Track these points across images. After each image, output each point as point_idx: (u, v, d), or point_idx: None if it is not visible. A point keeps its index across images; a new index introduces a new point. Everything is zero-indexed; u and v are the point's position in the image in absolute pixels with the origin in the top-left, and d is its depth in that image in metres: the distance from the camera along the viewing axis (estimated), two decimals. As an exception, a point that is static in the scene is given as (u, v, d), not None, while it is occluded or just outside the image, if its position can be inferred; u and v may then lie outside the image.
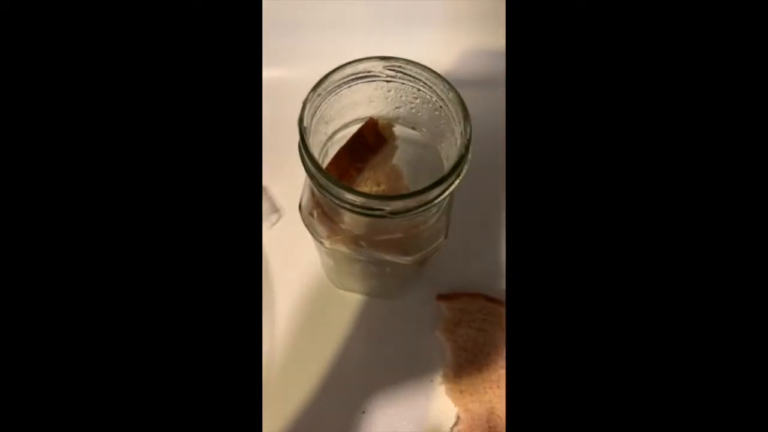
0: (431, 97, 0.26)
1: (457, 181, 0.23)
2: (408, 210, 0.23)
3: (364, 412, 0.36)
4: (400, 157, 0.30)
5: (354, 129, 0.28)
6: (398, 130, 0.29)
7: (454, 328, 0.37)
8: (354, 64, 0.24)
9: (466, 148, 0.23)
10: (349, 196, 0.23)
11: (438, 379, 0.37)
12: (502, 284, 0.39)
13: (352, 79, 0.25)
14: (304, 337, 0.39)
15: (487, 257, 0.41)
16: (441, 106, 0.25)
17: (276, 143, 0.41)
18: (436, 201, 0.23)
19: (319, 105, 0.25)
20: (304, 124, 0.23)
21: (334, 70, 0.24)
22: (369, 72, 0.25)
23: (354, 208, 0.23)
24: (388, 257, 0.28)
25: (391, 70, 0.25)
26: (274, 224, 0.42)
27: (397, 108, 0.28)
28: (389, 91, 0.27)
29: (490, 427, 0.35)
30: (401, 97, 0.27)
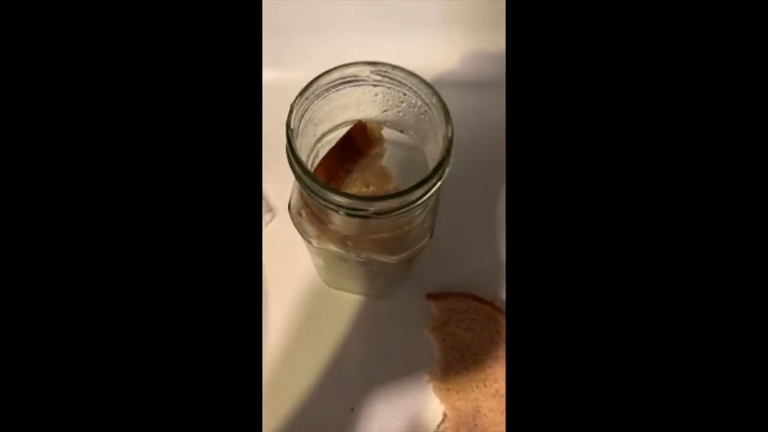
0: (416, 101, 0.26)
1: (439, 183, 0.24)
2: (392, 210, 0.23)
3: (352, 409, 0.37)
4: (389, 159, 0.31)
5: (343, 131, 0.29)
6: (386, 132, 0.30)
7: (442, 327, 0.38)
8: (341, 68, 0.25)
9: (447, 150, 0.24)
10: (335, 197, 0.23)
11: (426, 377, 0.37)
12: (490, 285, 0.40)
13: (340, 84, 0.26)
14: (295, 334, 0.39)
15: (476, 258, 0.41)
16: (426, 110, 0.26)
17: (270, 143, 0.42)
18: (420, 202, 0.24)
19: (307, 108, 0.25)
20: (291, 126, 0.24)
21: (321, 75, 0.25)
22: (356, 76, 0.26)
23: (339, 209, 0.24)
24: (375, 256, 0.28)
25: (377, 74, 0.26)
26: (268, 223, 0.43)
27: (384, 111, 0.29)
28: (376, 95, 0.28)
29: (476, 425, 0.35)
30: (388, 100, 0.28)
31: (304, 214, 0.28)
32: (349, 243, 0.28)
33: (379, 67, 0.26)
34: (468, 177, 0.39)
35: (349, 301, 0.40)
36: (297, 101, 0.24)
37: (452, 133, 0.24)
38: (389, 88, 0.27)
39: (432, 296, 0.39)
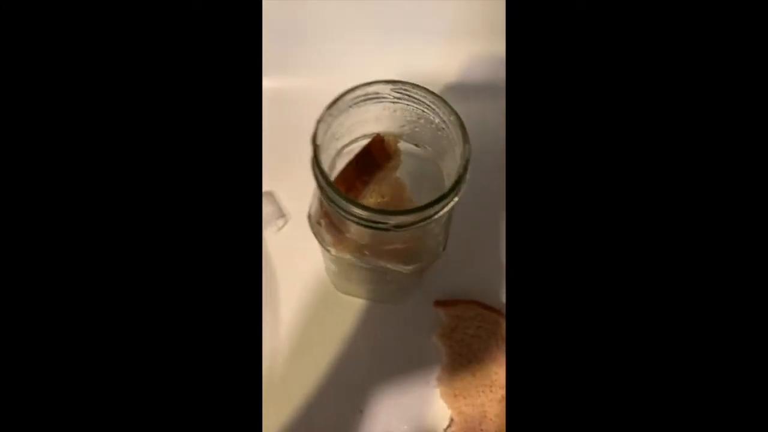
0: (434, 118, 0.28)
1: (456, 199, 0.25)
2: (410, 224, 0.25)
3: (361, 411, 0.38)
4: (403, 171, 0.32)
5: (361, 144, 0.30)
6: (402, 146, 0.31)
7: (450, 334, 0.39)
8: (364, 86, 0.26)
9: (465, 168, 0.25)
10: (356, 210, 0.24)
11: (433, 382, 0.38)
12: (497, 293, 0.41)
13: (362, 100, 0.27)
14: (306, 337, 0.40)
15: (483, 267, 0.42)
16: (443, 128, 0.27)
17: (281, 150, 0.43)
18: (436, 216, 0.25)
19: (331, 123, 0.27)
20: (318, 142, 0.25)
21: (346, 92, 0.26)
22: (377, 94, 0.27)
23: (360, 221, 0.25)
24: (390, 266, 0.29)
25: (397, 92, 0.27)
26: (280, 228, 0.44)
27: (402, 126, 0.30)
28: (395, 111, 0.29)
29: (482, 430, 0.37)
30: (406, 116, 0.29)
31: (323, 224, 0.29)
32: (366, 252, 0.29)
33: (400, 86, 0.27)
34: (476, 186, 0.39)
35: (359, 306, 0.41)
36: (323, 117, 0.25)
37: (470, 151, 0.25)
38: (408, 105, 0.28)
39: (440, 303, 0.40)
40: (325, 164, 0.29)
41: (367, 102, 0.27)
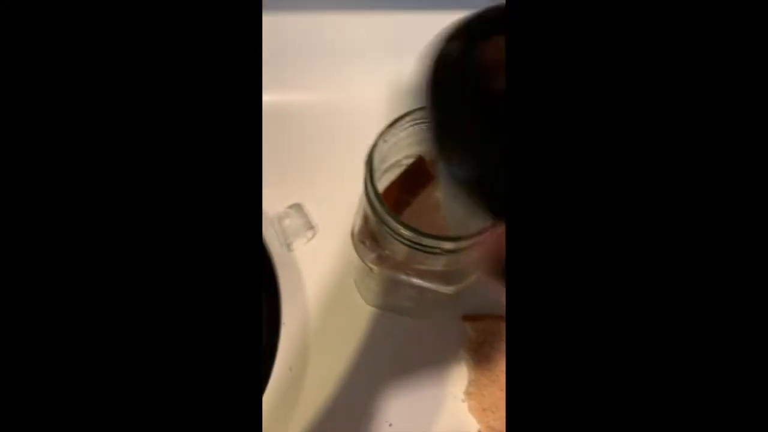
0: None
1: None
2: (461, 249, 0.25)
3: (390, 424, 0.38)
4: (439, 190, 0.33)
5: (405, 165, 0.31)
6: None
7: (478, 348, 0.40)
8: (414, 113, 0.27)
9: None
10: (405, 232, 0.25)
11: (462, 396, 0.39)
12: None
13: (410, 125, 0.28)
14: (334, 349, 0.41)
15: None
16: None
17: (309, 163, 0.43)
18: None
19: (381, 147, 0.27)
20: (373, 165, 0.25)
21: (397, 119, 0.27)
22: (424, 118, 0.28)
23: (411, 244, 0.25)
24: (432, 286, 0.30)
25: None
26: (309, 240, 0.45)
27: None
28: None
29: (509, 444, 0.37)
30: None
31: (367, 243, 0.30)
32: (409, 272, 0.30)
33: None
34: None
35: (387, 320, 0.42)
36: (377, 142, 0.26)
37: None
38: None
39: (468, 318, 0.41)
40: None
41: (415, 125, 0.28)
